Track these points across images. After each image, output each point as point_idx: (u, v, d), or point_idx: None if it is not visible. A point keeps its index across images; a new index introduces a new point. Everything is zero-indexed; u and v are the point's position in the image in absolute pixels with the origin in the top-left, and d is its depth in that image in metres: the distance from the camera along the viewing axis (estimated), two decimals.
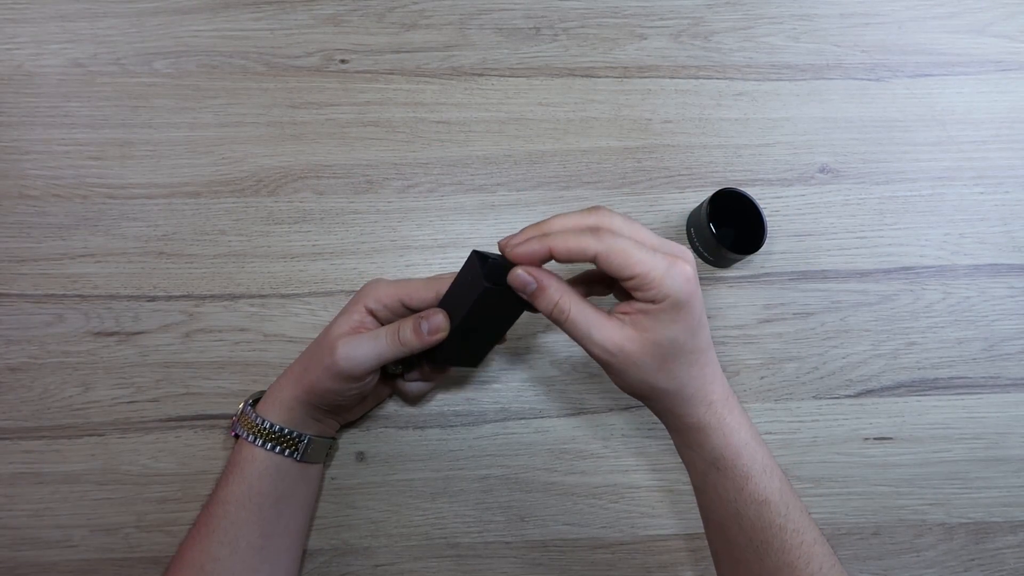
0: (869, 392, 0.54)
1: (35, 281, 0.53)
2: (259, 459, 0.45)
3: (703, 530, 0.52)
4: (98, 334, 0.52)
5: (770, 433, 0.53)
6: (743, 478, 0.40)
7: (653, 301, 0.38)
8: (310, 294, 0.54)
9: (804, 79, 0.59)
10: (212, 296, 0.53)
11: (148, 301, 0.53)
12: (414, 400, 0.52)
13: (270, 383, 0.52)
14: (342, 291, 0.54)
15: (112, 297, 0.53)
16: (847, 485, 0.53)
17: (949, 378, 0.55)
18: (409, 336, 0.43)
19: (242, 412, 0.47)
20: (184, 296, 0.53)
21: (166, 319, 0.53)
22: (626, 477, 0.52)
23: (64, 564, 0.49)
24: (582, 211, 0.40)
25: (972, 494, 0.53)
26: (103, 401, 0.51)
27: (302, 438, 0.45)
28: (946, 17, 0.61)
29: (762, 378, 0.54)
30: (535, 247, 0.39)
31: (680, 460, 0.53)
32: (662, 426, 0.53)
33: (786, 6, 0.60)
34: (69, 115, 0.56)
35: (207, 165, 0.55)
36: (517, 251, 0.39)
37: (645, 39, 0.59)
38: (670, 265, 0.37)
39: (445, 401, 0.53)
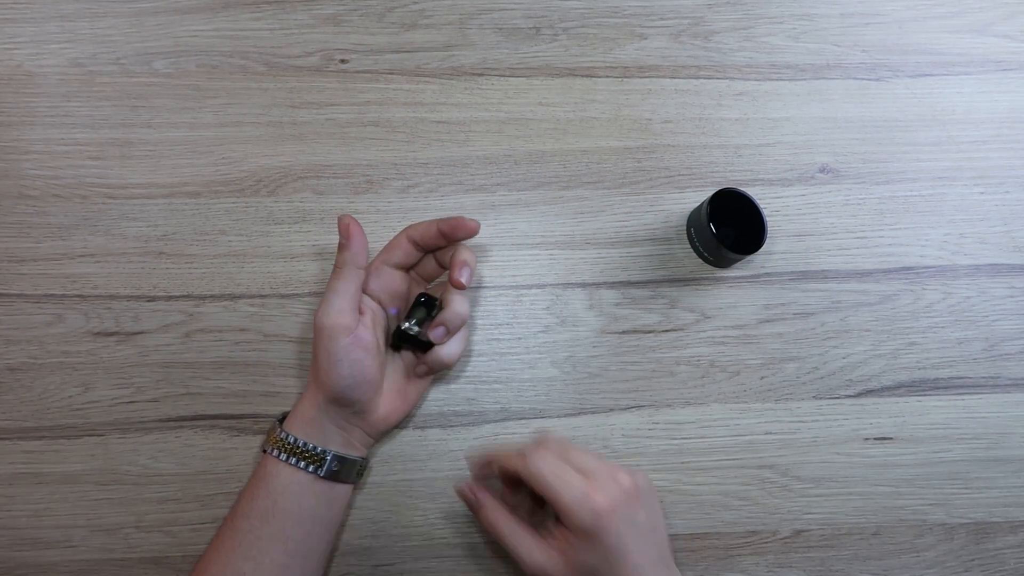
0: (869, 392, 0.54)
1: (35, 281, 0.53)
2: (283, 474, 0.44)
3: (703, 531, 0.52)
4: (98, 334, 0.52)
5: (770, 433, 0.53)
6: None
7: (568, 528, 0.41)
8: (310, 294, 0.54)
9: (804, 79, 0.59)
10: (212, 296, 0.53)
11: (148, 301, 0.53)
12: (449, 361, 0.49)
13: (270, 383, 0.52)
14: None
15: (112, 297, 0.53)
16: (847, 485, 0.53)
17: (949, 378, 0.54)
18: (338, 256, 0.46)
19: (271, 427, 0.47)
20: (184, 296, 0.53)
21: (166, 319, 0.53)
22: None
23: (64, 564, 0.49)
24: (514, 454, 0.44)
25: (972, 494, 0.53)
26: (103, 401, 0.51)
27: (326, 453, 0.45)
28: (947, 17, 0.61)
29: (762, 378, 0.54)
30: (481, 468, 0.47)
31: (682, 460, 0.53)
32: (663, 426, 0.53)
33: (786, 6, 0.60)
34: (69, 115, 0.56)
35: (207, 165, 0.55)
36: (472, 472, 0.47)
37: (645, 39, 0.59)
38: (584, 497, 0.40)
39: (445, 401, 0.53)
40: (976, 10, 0.61)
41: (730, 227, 0.52)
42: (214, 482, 0.51)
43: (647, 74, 0.59)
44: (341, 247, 0.46)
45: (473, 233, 0.47)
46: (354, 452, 0.47)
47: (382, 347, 0.48)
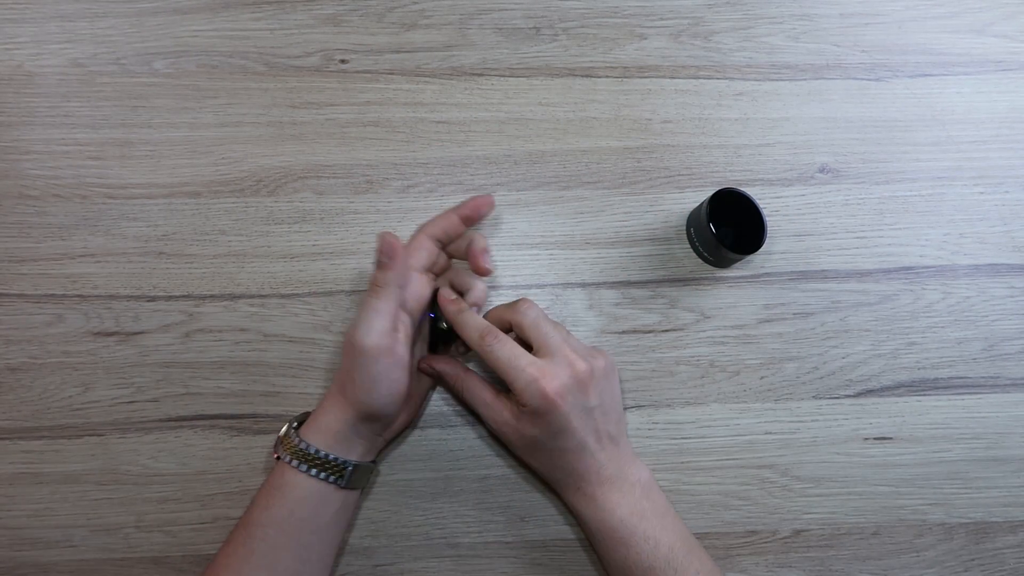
0: (869, 392, 0.54)
1: (35, 281, 0.53)
2: (302, 485, 0.44)
3: (703, 531, 0.52)
4: (98, 334, 0.52)
5: (770, 433, 0.53)
6: (623, 546, 0.45)
7: (519, 403, 0.45)
8: (310, 294, 0.54)
9: (804, 79, 0.59)
10: (212, 296, 0.53)
11: (148, 301, 0.53)
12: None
13: (270, 383, 0.52)
14: (342, 291, 0.54)
15: (112, 297, 0.53)
16: (847, 485, 0.53)
17: (949, 378, 0.55)
18: (378, 275, 0.45)
19: (285, 434, 0.46)
20: (184, 296, 0.53)
21: (166, 319, 0.53)
22: None
23: (64, 564, 0.49)
24: (506, 304, 0.49)
25: (972, 494, 0.53)
26: (103, 401, 0.51)
27: (347, 464, 0.45)
28: (946, 17, 0.61)
29: (762, 378, 0.54)
30: (451, 306, 0.48)
31: (682, 460, 0.53)
32: (662, 426, 0.53)
33: (786, 6, 0.60)
34: (69, 115, 0.56)
35: (207, 165, 0.55)
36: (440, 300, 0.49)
37: (645, 39, 0.59)
38: (532, 381, 0.43)
39: (445, 401, 0.53)
40: (976, 10, 0.61)
41: (730, 227, 0.52)
42: (214, 482, 0.51)
43: (647, 74, 0.59)
44: (383, 266, 0.45)
45: (493, 206, 0.49)
46: (370, 457, 0.48)
47: (412, 360, 0.48)
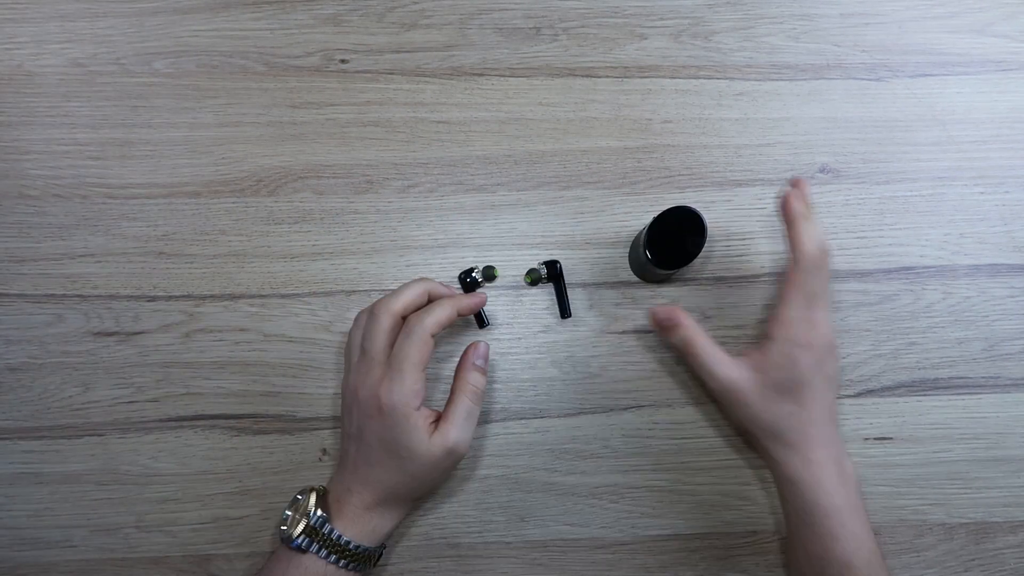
0: (869, 392, 0.54)
1: (35, 281, 0.53)
2: (328, 574, 0.43)
3: (703, 531, 0.52)
4: (98, 334, 0.52)
5: None
6: (830, 537, 0.43)
7: (771, 337, 0.45)
8: (310, 294, 0.54)
9: (804, 79, 0.59)
10: (212, 296, 0.53)
11: (148, 301, 0.53)
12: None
13: (270, 383, 0.52)
14: (342, 291, 0.54)
15: (112, 297, 0.53)
16: None
17: (949, 378, 0.54)
18: (481, 380, 0.47)
19: (310, 525, 0.43)
20: (184, 296, 0.53)
21: (166, 319, 0.53)
22: (626, 477, 0.52)
23: (64, 564, 0.49)
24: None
25: (972, 494, 0.53)
26: (103, 401, 0.51)
27: (380, 550, 0.45)
28: (947, 17, 0.61)
29: None
30: (796, 208, 0.47)
31: (682, 460, 0.53)
32: (662, 426, 0.53)
33: (786, 6, 0.60)
34: (69, 115, 0.56)
35: (207, 165, 0.55)
36: (788, 194, 0.47)
37: (645, 39, 0.59)
38: (804, 320, 0.45)
39: (445, 401, 0.53)
40: (976, 10, 0.61)
41: (673, 243, 0.50)
42: (214, 482, 0.51)
43: (647, 74, 0.59)
44: (483, 372, 0.48)
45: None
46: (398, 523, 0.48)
47: None
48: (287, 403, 0.52)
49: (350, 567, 0.44)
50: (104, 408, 0.51)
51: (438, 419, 0.46)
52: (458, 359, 0.48)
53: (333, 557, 0.43)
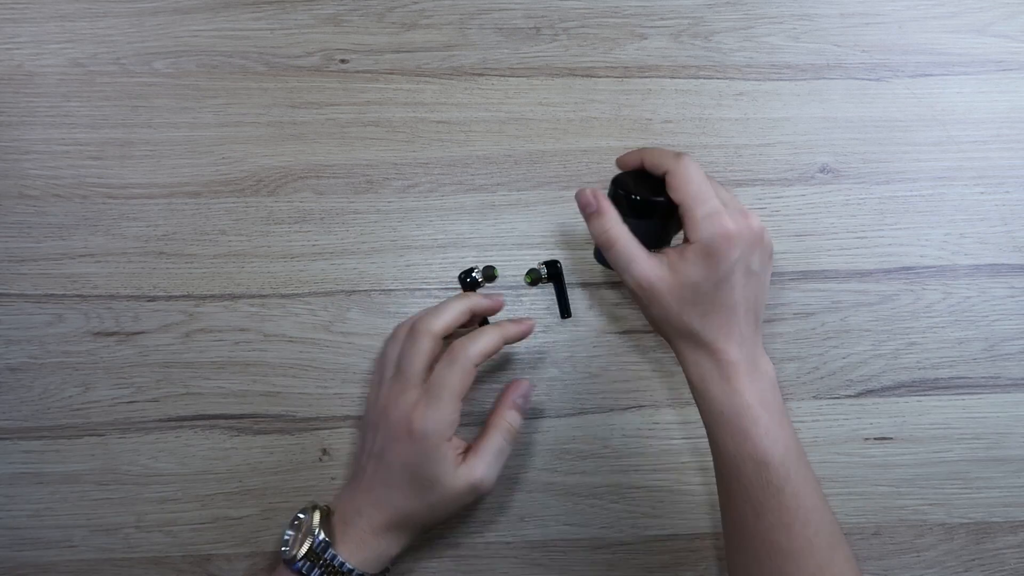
0: (869, 392, 0.54)
1: (35, 281, 0.53)
2: None
3: (703, 531, 0.52)
4: (98, 334, 0.52)
5: None
6: (741, 435, 0.42)
7: (687, 240, 0.43)
8: (310, 294, 0.54)
9: (804, 79, 0.59)
10: (212, 296, 0.53)
11: (148, 301, 0.53)
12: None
13: (270, 383, 0.52)
14: (342, 291, 0.54)
15: (112, 297, 0.53)
16: (847, 485, 0.53)
17: (949, 378, 0.54)
18: (519, 420, 0.47)
19: (312, 549, 0.42)
20: (184, 296, 0.53)
21: (166, 319, 0.53)
22: (626, 477, 0.52)
23: (64, 564, 0.49)
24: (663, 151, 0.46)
25: (972, 494, 0.53)
26: (103, 401, 0.51)
27: (388, 570, 0.45)
28: (947, 17, 0.61)
29: None
30: (632, 156, 0.47)
31: (682, 460, 0.53)
32: (662, 426, 0.53)
33: (786, 6, 0.60)
34: (69, 115, 0.56)
35: (207, 165, 0.55)
36: (620, 158, 0.48)
37: (645, 39, 0.59)
38: (713, 213, 0.42)
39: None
40: (976, 10, 0.61)
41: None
42: (214, 482, 0.51)
43: (647, 74, 0.59)
44: (522, 412, 0.48)
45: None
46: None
47: None
48: (287, 403, 0.52)
49: None
50: (104, 408, 0.51)
51: (467, 451, 0.45)
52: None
53: None
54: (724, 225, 0.42)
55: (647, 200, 0.45)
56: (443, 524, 0.50)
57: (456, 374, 0.43)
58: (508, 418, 0.46)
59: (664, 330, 0.46)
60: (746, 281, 0.43)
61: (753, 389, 0.43)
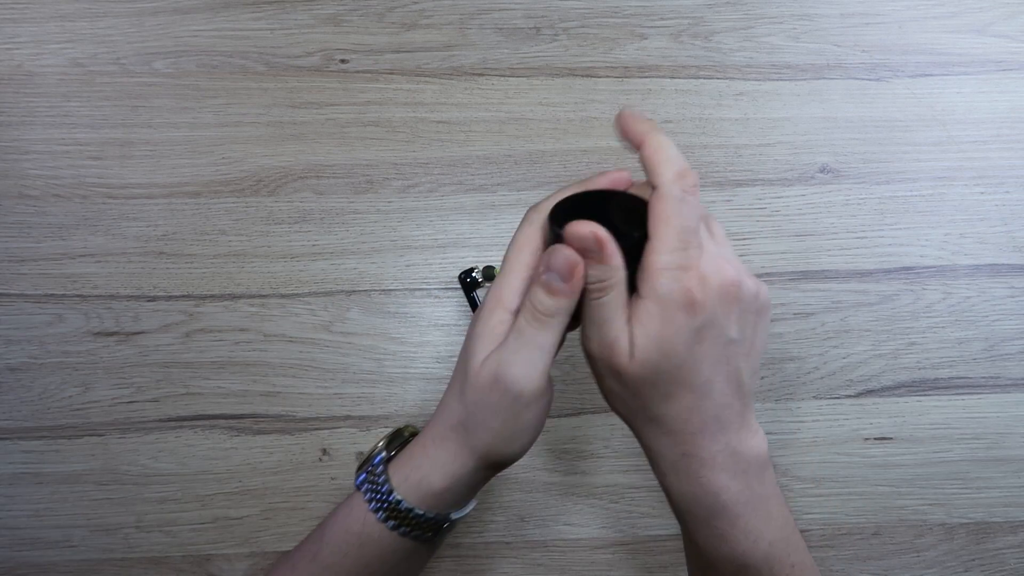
0: (869, 392, 0.54)
1: (35, 281, 0.53)
2: (386, 541, 0.36)
3: None
4: (98, 334, 0.52)
5: (771, 433, 0.53)
6: (716, 538, 0.35)
7: (638, 292, 0.32)
8: (310, 294, 0.54)
9: (804, 79, 0.59)
10: (212, 296, 0.53)
11: (148, 301, 0.53)
12: None
13: (270, 383, 0.52)
14: (342, 291, 0.54)
15: (112, 297, 0.53)
16: (847, 485, 0.53)
17: (949, 378, 0.54)
18: (547, 301, 0.33)
19: (373, 472, 0.37)
20: (184, 296, 0.53)
21: (166, 319, 0.53)
22: (626, 477, 0.52)
23: (64, 564, 0.49)
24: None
25: (972, 494, 0.53)
26: (103, 401, 0.51)
27: (445, 521, 0.37)
28: (947, 17, 0.61)
29: (762, 378, 0.54)
30: (634, 131, 0.35)
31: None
32: None
33: (786, 6, 0.60)
34: (69, 115, 0.56)
35: (207, 165, 0.55)
36: (623, 114, 0.35)
37: (645, 39, 0.59)
38: (677, 265, 0.31)
39: None
40: (976, 10, 0.61)
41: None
42: (214, 482, 0.51)
43: (647, 74, 0.59)
44: (556, 291, 0.33)
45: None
46: (472, 499, 0.39)
47: None
48: (287, 403, 0.52)
49: (390, 525, 0.36)
50: (104, 408, 0.51)
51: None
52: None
53: (374, 505, 0.36)
54: (685, 286, 0.31)
55: (629, 236, 0.33)
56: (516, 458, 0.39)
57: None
58: (531, 298, 0.34)
59: (620, 411, 0.37)
60: (721, 352, 0.33)
61: (733, 486, 0.34)
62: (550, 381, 0.36)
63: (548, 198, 0.37)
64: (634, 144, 0.35)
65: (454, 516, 0.37)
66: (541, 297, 0.34)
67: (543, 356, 0.34)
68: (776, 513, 0.36)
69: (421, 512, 0.36)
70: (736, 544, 0.35)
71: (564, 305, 0.33)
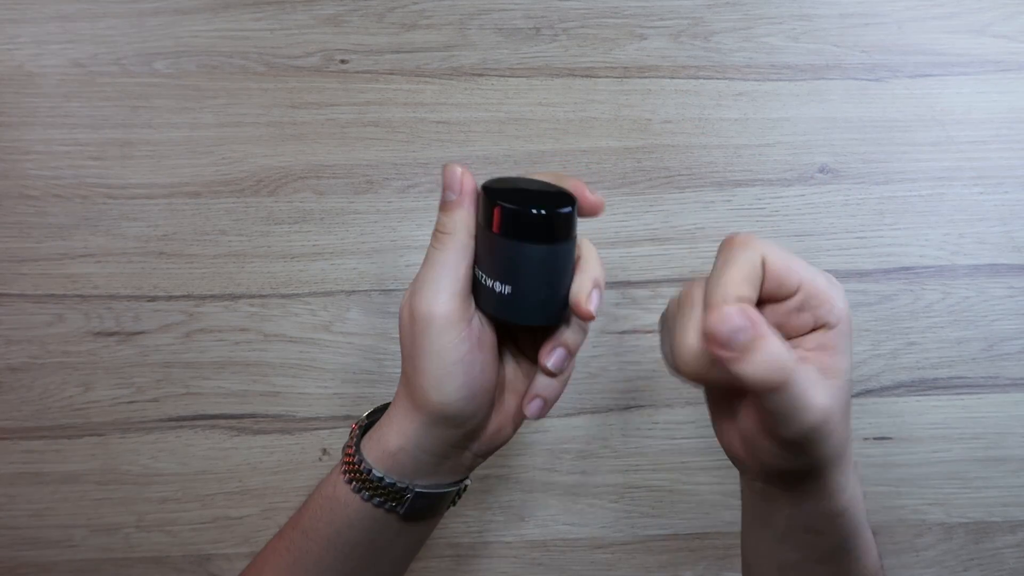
0: (869, 392, 0.54)
1: (35, 281, 0.53)
2: (353, 507, 0.35)
3: (703, 531, 0.52)
4: (98, 334, 0.52)
5: None
6: (865, 553, 0.34)
7: (827, 324, 0.32)
8: (310, 294, 0.54)
9: (804, 79, 0.59)
10: (212, 296, 0.53)
11: (148, 301, 0.53)
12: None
13: (270, 383, 0.52)
14: (342, 291, 0.54)
15: (112, 297, 0.53)
16: None
17: (948, 378, 0.55)
18: (444, 218, 0.34)
19: (350, 440, 0.37)
20: (184, 296, 0.53)
21: (166, 319, 0.53)
22: (626, 477, 0.52)
23: (64, 564, 0.49)
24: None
25: (971, 494, 0.53)
26: (103, 401, 0.51)
27: (408, 491, 0.35)
28: (946, 17, 0.61)
29: None
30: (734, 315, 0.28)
31: (682, 460, 0.53)
32: (662, 425, 0.53)
33: (786, 6, 0.60)
34: (69, 115, 0.56)
35: (207, 165, 0.55)
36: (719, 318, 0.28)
37: (645, 39, 0.59)
38: (831, 280, 0.32)
39: None
40: (975, 10, 0.61)
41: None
42: (214, 482, 0.51)
43: (647, 74, 0.59)
44: (449, 205, 0.34)
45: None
46: (451, 478, 0.37)
47: (494, 343, 0.36)
48: (287, 403, 0.52)
49: (354, 487, 0.35)
50: (104, 408, 0.51)
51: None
52: None
53: (344, 467, 0.35)
54: (842, 292, 0.32)
55: (562, 214, 0.32)
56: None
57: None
58: (435, 226, 0.35)
59: (824, 464, 0.32)
60: (846, 422, 0.34)
61: (861, 496, 0.34)
62: (470, 312, 0.34)
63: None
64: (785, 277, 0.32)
65: (418, 487, 0.35)
66: (439, 217, 0.34)
67: (449, 276, 0.33)
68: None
69: (380, 475, 0.35)
70: (871, 550, 0.35)
71: (460, 217, 0.34)
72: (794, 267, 0.31)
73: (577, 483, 0.52)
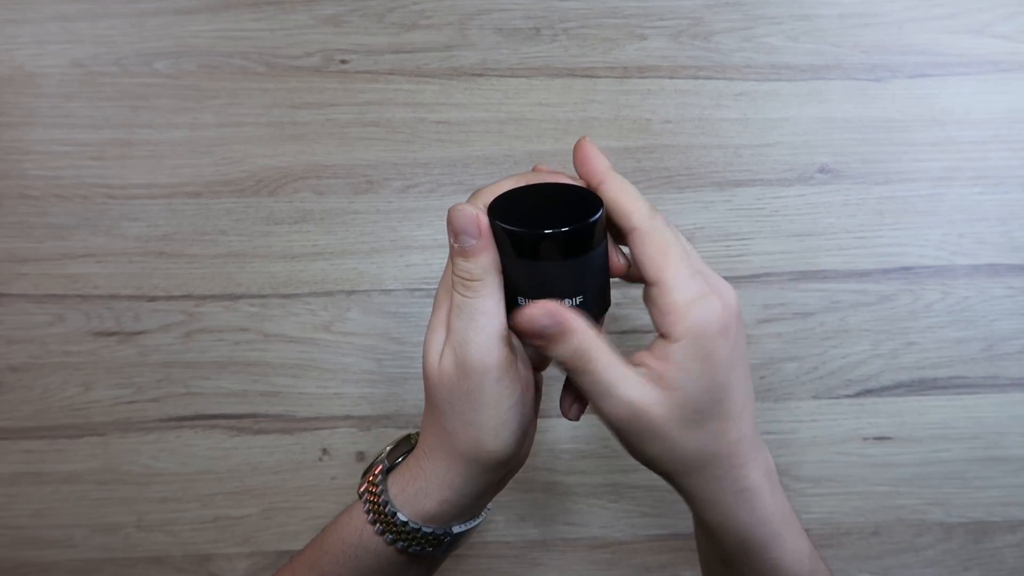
0: (868, 392, 0.54)
1: (35, 281, 0.53)
2: (385, 555, 0.34)
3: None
4: (98, 334, 0.52)
5: (770, 433, 0.53)
6: (771, 566, 0.33)
7: (664, 335, 0.31)
8: (310, 294, 0.54)
9: (804, 79, 0.59)
10: (212, 296, 0.53)
11: (148, 301, 0.53)
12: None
13: (270, 383, 0.52)
14: (342, 291, 0.54)
15: (112, 297, 0.53)
16: (846, 485, 0.53)
17: (948, 378, 0.55)
18: (468, 265, 0.32)
19: (372, 482, 0.35)
20: (184, 296, 0.53)
21: (166, 319, 0.53)
22: (626, 477, 0.52)
23: (64, 564, 0.49)
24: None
25: (971, 493, 0.53)
26: (104, 401, 0.51)
27: (447, 535, 0.34)
28: (945, 17, 0.61)
29: (762, 378, 0.54)
30: (599, 163, 0.33)
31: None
32: None
33: (786, 6, 0.60)
34: (69, 115, 0.56)
35: (207, 165, 0.55)
36: (583, 151, 0.34)
37: (645, 39, 0.59)
38: (700, 296, 0.30)
39: None
40: (975, 11, 0.61)
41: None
42: (214, 481, 0.51)
43: (647, 74, 0.59)
44: (470, 251, 0.32)
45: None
46: (477, 516, 0.37)
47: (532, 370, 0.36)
48: (287, 403, 0.52)
49: (388, 539, 0.34)
50: (105, 408, 0.51)
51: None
52: None
53: (372, 516, 0.34)
54: (715, 311, 0.30)
55: (583, 227, 0.32)
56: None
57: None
58: (454, 274, 0.34)
59: (665, 468, 0.33)
60: (744, 369, 0.32)
61: (777, 509, 0.33)
62: (516, 355, 0.33)
63: (486, 188, 0.36)
64: (590, 181, 0.35)
65: (456, 530, 0.35)
66: (462, 265, 0.33)
67: (492, 322, 0.32)
68: (800, 524, 0.34)
69: (418, 526, 0.34)
70: (788, 568, 0.33)
71: (486, 261, 0.32)
72: (667, 261, 0.31)
73: (577, 483, 0.52)
